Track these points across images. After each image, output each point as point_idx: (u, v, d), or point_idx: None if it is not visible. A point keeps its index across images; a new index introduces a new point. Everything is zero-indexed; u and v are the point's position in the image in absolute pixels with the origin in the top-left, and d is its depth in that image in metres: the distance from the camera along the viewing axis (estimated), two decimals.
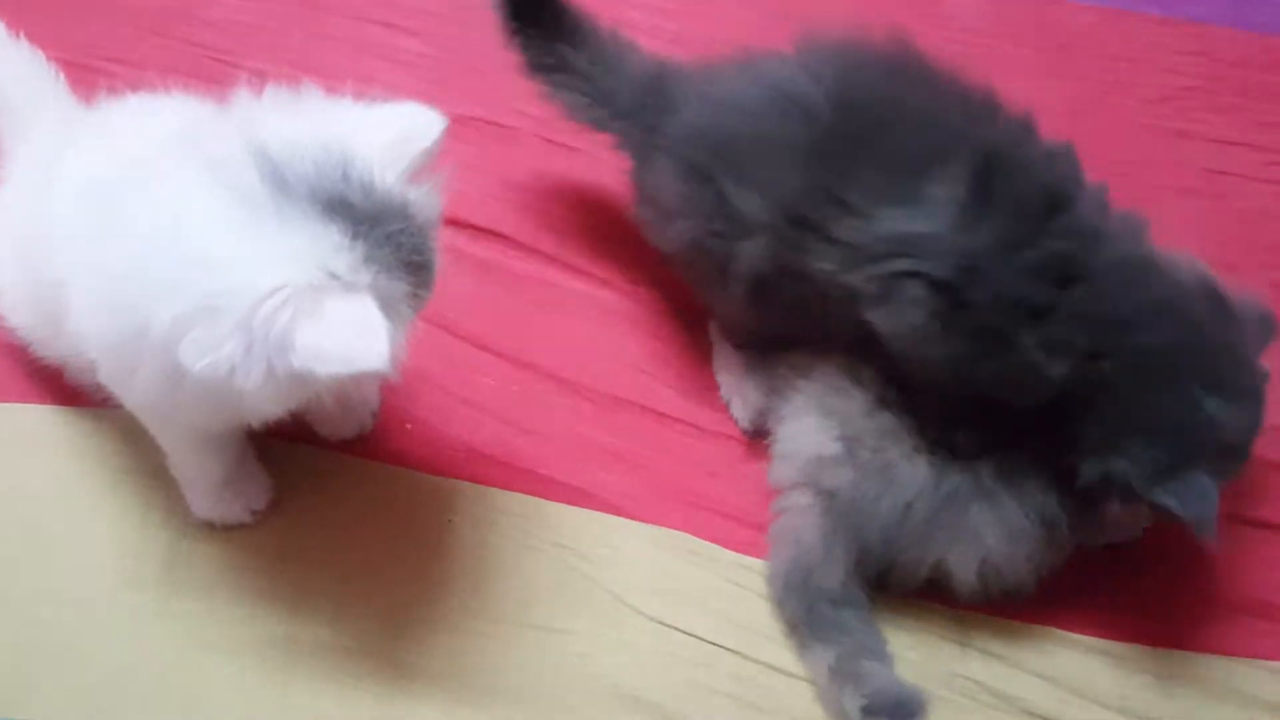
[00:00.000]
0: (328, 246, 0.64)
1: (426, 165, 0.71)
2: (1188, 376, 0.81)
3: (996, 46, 1.28)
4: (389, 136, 0.70)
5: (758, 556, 0.92)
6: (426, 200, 0.72)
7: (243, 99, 0.72)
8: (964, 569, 0.86)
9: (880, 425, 0.89)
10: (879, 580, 0.89)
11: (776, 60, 0.92)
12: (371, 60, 1.20)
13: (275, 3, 1.25)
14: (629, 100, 0.97)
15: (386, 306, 0.65)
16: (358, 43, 1.22)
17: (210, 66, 1.17)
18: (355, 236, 0.65)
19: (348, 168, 0.67)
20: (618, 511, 0.94)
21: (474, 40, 1.23)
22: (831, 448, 0.89)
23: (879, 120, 0.86)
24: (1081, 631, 0.90)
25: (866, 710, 0.82)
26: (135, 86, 0.89)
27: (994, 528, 0.85)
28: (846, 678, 0.84)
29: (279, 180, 0.65)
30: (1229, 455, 0.83)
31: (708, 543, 0.93)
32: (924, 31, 1.27)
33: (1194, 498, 0.79)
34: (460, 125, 1.16)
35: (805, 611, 0.87)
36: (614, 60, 0.99)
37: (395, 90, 1.15)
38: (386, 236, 0.66)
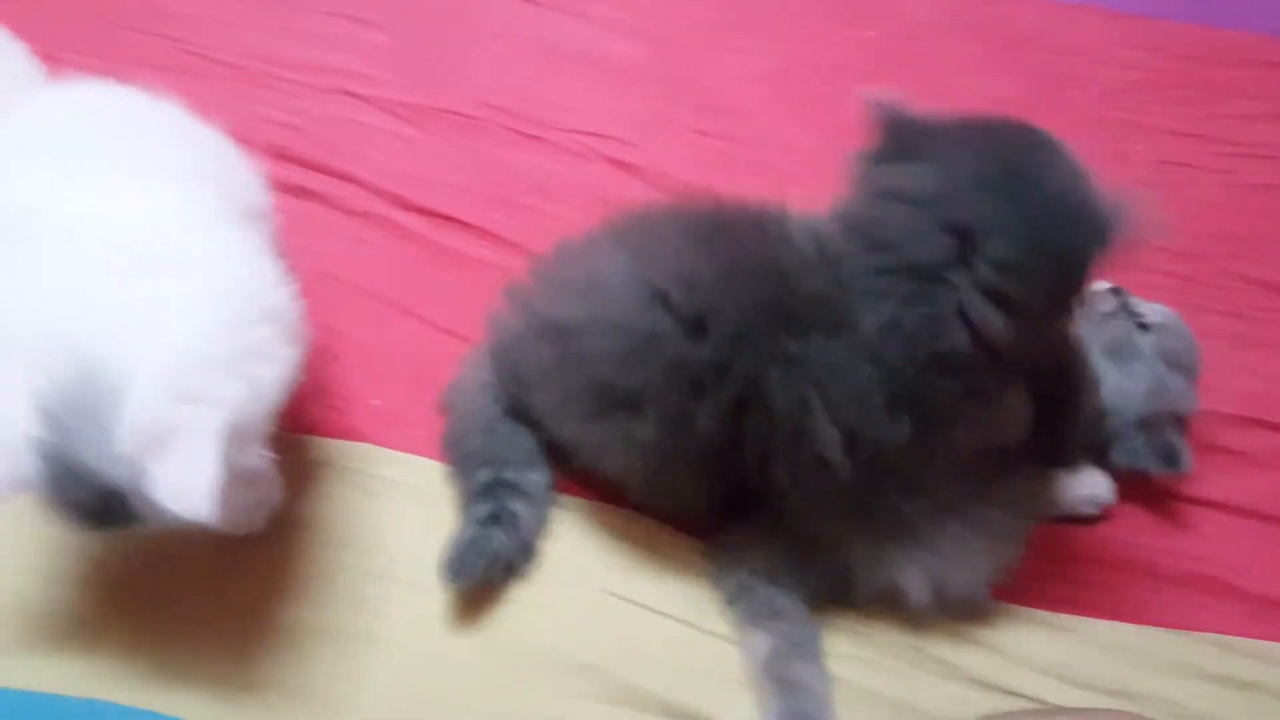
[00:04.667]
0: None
1: None
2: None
3: (950, 42, 1.31)
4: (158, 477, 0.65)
5: (707, 538, 0.94)
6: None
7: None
8: (915, 590, 0.88)
9: None
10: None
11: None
12: (342, 54, 1.23)
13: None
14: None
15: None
16: (324, 37, 1.24)
17: (184, 60, 1.19)
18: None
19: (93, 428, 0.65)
20: (568, 490, 0.96)
21: (442, 35, 1.27)
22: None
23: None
24: (1025, 603, 0.92)
25: None
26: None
27: (937, 548, 0.87)
28: (776, 681, 0.85)
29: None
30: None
31: (660, 522, 0.95)
32: (879, 28, 1.32)
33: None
34: (425, 115, 1.19)
35: (741, 588, 0.89)
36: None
37: (367, 81, 1.20)
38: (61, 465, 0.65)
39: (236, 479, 0.67)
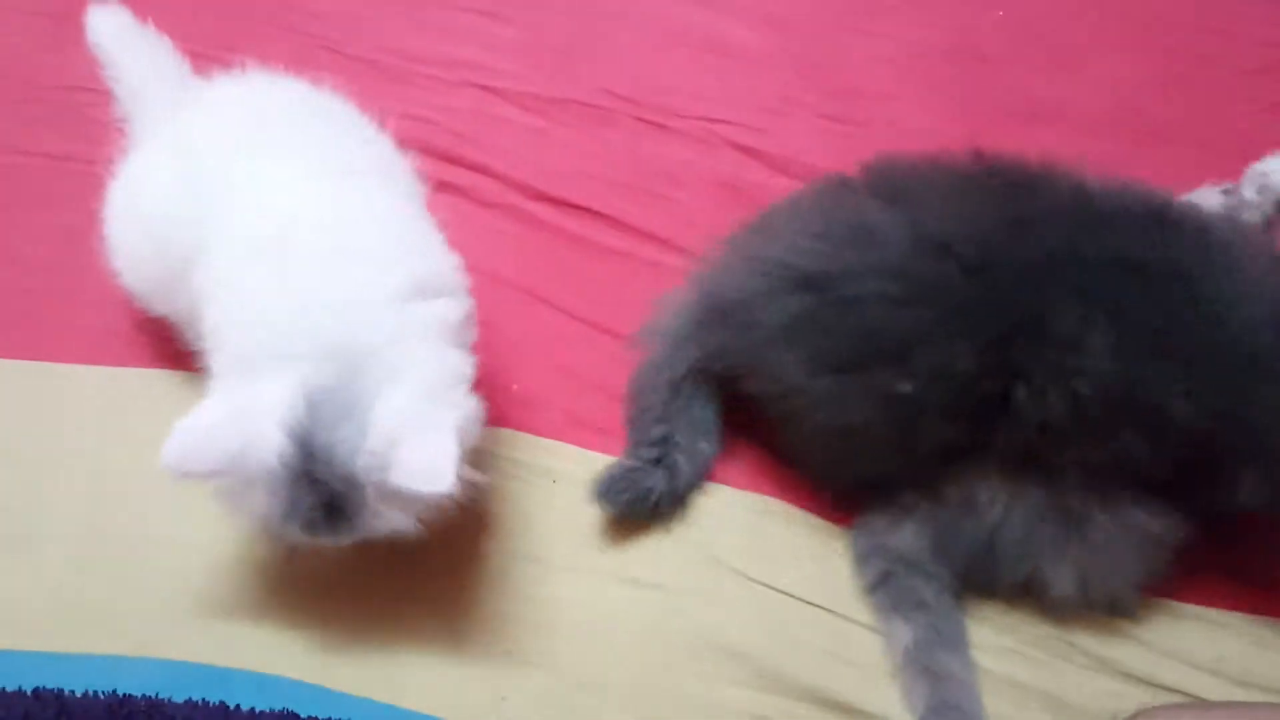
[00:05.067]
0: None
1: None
2: None
3: (1082, 22, 1.28)
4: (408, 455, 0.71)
5: (848, 526, 0.94)
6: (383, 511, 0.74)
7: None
8: (1061, 583, 0.87)
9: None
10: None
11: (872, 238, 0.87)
12: (469, 47, 1.25)
13: None
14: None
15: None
16: (455, 31, 1.26)
17: (320, 55, 1.22)
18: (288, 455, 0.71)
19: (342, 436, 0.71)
20: (713, 477, 0.96)
21: (568, 26, 1.28)
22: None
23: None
24: (1177, 598, 0.90)
25: None
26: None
27: (1090, 545, 0.86)
28: (922, 670, 0.85)
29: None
30: None
31: (800, 509, 0.95)
32: (1008, 8, 1.30)
33: None
34: (554, 106, 1.21)
35: (883, 576, 0.89)
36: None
37: (497, 74, 1.22)
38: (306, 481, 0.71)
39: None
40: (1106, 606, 0.89)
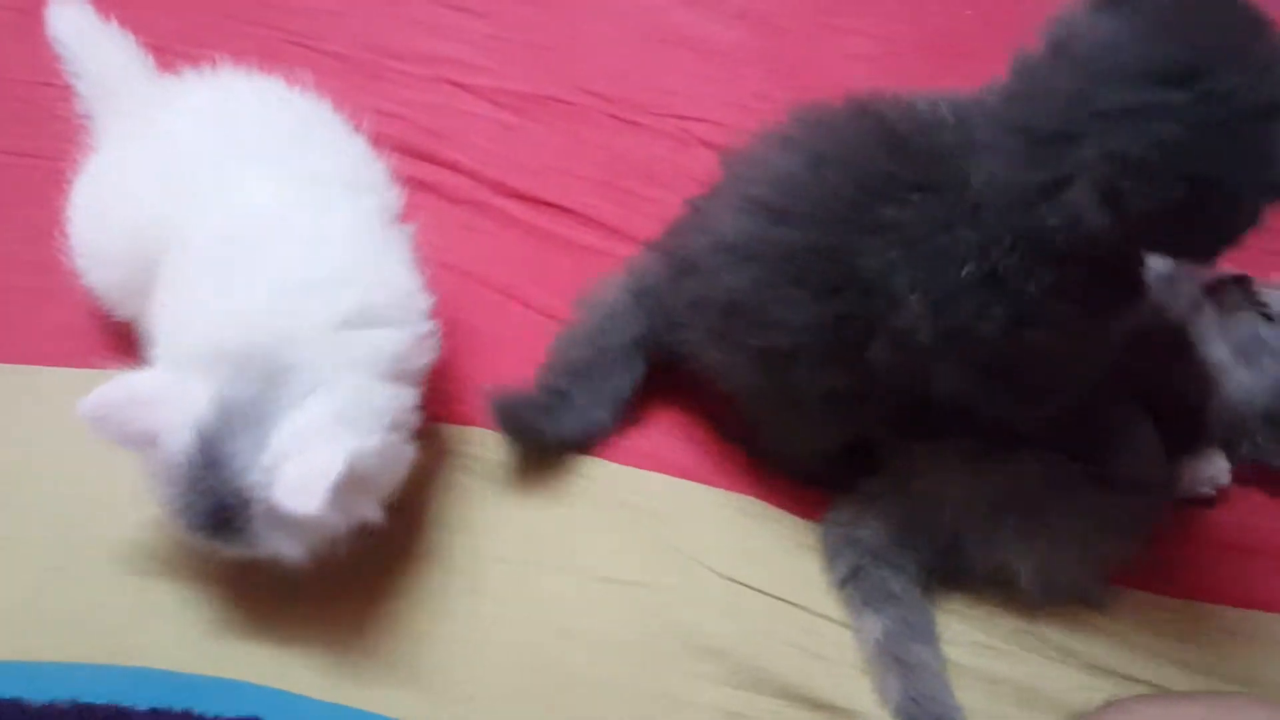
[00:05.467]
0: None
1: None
2: None
3: None
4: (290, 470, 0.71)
5: (819, 521, 0.94)
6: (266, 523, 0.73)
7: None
8: (1027, 575, 0.88)
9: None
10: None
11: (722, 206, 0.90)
12: (444, 43, 1.24)
13: None
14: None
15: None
16: (431, 26, 1.26)
17: (291, 51, 1.21)
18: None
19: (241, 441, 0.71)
20: (685, 475, 0.97)
21: (541, 21, 1.27)
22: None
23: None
24: (1146, 589, 0.91)
25: (906, 714, 0.84)
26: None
27: (1052, 540, 0.87)
28: (893, 662, 0.86)
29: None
30: None
31: (772, 507, 0.95)
32: (978, 6, 1.29)
33: None
34: (527, 102, 1.20)
35: (853, 570, 0.89)
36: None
37: (470, 70, 1.21)
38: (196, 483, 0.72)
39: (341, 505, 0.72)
40: (1074, 597, 0.89)
